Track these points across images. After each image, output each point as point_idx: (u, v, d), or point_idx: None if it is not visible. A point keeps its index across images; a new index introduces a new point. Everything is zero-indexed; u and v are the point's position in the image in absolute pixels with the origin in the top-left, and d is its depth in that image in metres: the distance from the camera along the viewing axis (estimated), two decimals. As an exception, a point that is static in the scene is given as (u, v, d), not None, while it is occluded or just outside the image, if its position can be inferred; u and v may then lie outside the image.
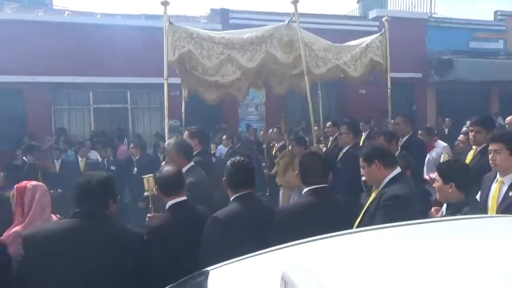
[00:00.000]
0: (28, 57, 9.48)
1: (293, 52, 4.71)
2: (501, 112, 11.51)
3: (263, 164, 6.60)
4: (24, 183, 2.41)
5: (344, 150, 4.73)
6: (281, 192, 5.26)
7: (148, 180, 3.18)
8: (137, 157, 6.90)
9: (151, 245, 2.18)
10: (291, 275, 0.96)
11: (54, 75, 9.93)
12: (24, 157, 6.74)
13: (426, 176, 4.63)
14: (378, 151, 2.52)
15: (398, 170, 2.47)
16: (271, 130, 7.01)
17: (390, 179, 2.42)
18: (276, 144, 6.63)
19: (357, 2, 16.37)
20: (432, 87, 13.06)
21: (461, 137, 5.00)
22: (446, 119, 10.57)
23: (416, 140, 4.99)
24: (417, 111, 13.03)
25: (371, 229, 1.60)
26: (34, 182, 2.46)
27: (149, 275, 2.08)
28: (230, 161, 2.49)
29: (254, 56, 4.53)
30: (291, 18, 4.82)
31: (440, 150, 5.00)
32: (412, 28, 12.38)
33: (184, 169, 3.15)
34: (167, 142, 3.50)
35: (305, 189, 2.52)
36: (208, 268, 1.45)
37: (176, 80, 4.99)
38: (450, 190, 2.44)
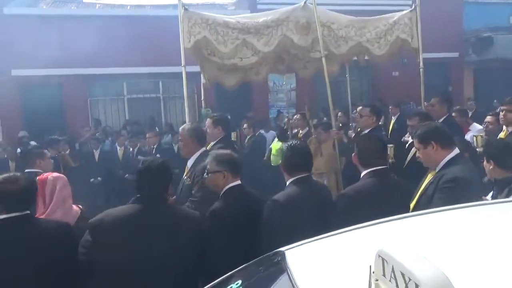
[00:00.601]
0: (64, 50, 9.77)
1: (310, 34, 4.59)
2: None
3: None
4: (45, 175, 2.53)
5: (365, 132, 4.54)
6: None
7: None
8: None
9: (210, 227, 2.27)
10: (391, 252, 0.98)
11: (90, 67, 10.23)
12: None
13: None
14: (435, 131, 2.41)
15: (456, 151, 2.38)
16: (295, 116, 6.92)
17: (448, 161, 2.33)
18: (300, 131, 6.54)
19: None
20: (470, 67, 12.53)
21: (488, 118, 4.82)
22: (469, 102, 10.12)
23: (452, 122, 4.72)
24: (453, 92, 12.55)
25: (450, 209, 1.60)
26: (55, 174, 2.58)
27: (210, 256, 2.16)
28: (287, 145, 2.51)
29: (270, 40, 4.45)
30: None
31: (475, 133, 4.81)
32: (448, 5, 11.84)
33: (197, 154, 3.29)
34: (181, 127, 3.56)
35: (365, 171, 2.49)
36: (282, 249, 1.48)
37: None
38: (491, 168, 2.51)
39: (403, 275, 0.95)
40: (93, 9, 12.18)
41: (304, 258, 1.39)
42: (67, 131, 9.62)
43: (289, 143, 2.54)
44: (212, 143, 4.02)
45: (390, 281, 1.00)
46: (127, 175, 7.20)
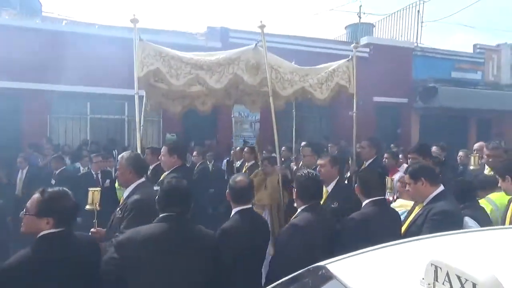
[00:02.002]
0: (24, 64, 9.44)
1: (259, 74, 4.81)
2: (478, 138, 12.28)
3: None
4: None
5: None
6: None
7: (93, 194, 3.08)
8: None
9: (221, 245, 2.40)
10: (445, 260, 1.22)
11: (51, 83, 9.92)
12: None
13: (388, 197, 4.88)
14: (425, 169, 2.81)
15: (441, 187, 2.77)
16: (236, 149, 7.17)
17: (435, 196, 2.71)
18: (246, 163, 6.76)
19: (345, 28, 17.14)
20: (417, 112, 13.75)
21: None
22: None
23: (379, 163, 5.12)
24: (402, 134, 13.66)
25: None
26: None
27: (221, 272, 2.29)
28: (302, 174, 2.73)
29: (221, 77, 4.59)
30: (258, 41, 4.85)
31: (402, 174, 5.13)
32: (400, 56, 13.12)
33: (133, 186, 3.08)
34: (120, 155, 3.40)
35: (366, 201, 2.78)
36: (321, 263, 1.67)
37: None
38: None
39: (459, 278, 1.20)
40: (60, 24, 11.93)
41: (348, 269, 1.59)
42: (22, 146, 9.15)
43: (302, 172, 2.76)
44: (166, 172, 4.02)
45: (443, 284, 1.26)
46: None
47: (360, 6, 15.65)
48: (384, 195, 2.87)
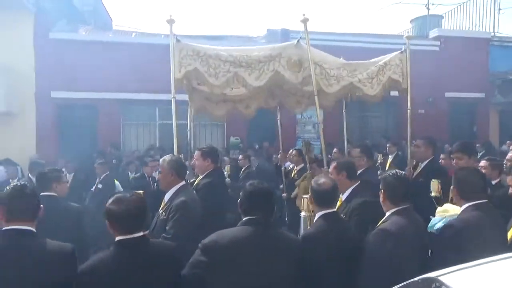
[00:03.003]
0: (100, 75, 10.11)
1: (302, 71, 4.57)
2: None
3: (281, 187, 6.49)
4: None
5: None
6: (302, 215, 5.13)
7: None
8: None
9: (306, 251, 2.32)
10: None
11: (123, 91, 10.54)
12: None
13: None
14: None
15: None
16: (290, 152, 6.85)
17: None
18: (295, 167, 6.49)
19: (410, 22, 16.25)
20: (496, 108, 12.62)
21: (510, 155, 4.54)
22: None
23: (436, 166, 4.58)
24: (479, 132, 12.61)
25: None
26: None
27: (306, 280, 2.20)
28: (391, 174, 2.55)
29: (261, 75, 4.41)
30: (300, 36, 4.64)
31: None
32: (475, 48, 12.13)
33: (175, 188, 3.16)
34: (162, 158, 3.44)
35: (466, 205, 2.51)
36: (431, 275, 1.52)
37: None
38: None
39: None
40: (129, 37, 12.66)
41: (467, 284, 1.43)
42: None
43: (391, 172, 2.57)
44: (201, 176, 3.94)
45: None
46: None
47: (429, -3, 14.71)
48: (486, 198, 2.54)
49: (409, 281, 1.64)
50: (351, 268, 2.36)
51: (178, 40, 4.23)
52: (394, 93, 12.15)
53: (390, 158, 7.07)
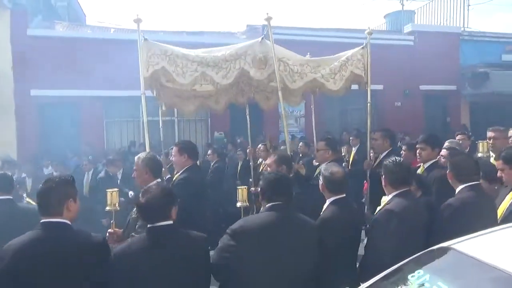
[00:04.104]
0: (81, 72, 9.96)
1: (267, 68, 4.62)
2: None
3: (250, 180, 6.51)
4: None
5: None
6: (238, 205, 5.11)
7: (112, 195, 3.14)
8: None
9: (322, 234, 2.52)
10: None
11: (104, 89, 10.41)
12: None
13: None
14: None
15: None
16: (258, 147, 6.99)
17: None
18: (263, 161, 6.38)
19: (384, 17, 16.75)
20: (466, 100, 13.27)
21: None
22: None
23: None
24: (452, 123, 13.23)
25: None
26: None
27: (322, 261, 2.41)
28: (391, 161, 2.78)
29: (228, 73, 4.49)
30: (264, 34, 4.71)
31: None
32: (446, 42, 12.68)
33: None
34: (137, 155, 3.44)
35: (461, 186, 2.78)
36: (445, 244, 1.73)
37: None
38: None
39: None
40: (108, 33, 12.48)
41: (475, 248, 1.65)
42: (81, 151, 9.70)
43: (392, 159, 2.81)
44: (179, 172, 3.90)
45: None
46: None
47: (403, -7, 15.21)
48: (479, 180, 2.83)
49: (426, 250, 1.86)
50: (357, 247, 2.60)
51: (145, 39, 4.27)
52: (375, 86, 12.49)
53: (354, 150, 7.25)
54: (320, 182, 2.80)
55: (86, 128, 10.45)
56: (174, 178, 3.96)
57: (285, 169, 3.47)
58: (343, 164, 7.15)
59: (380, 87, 12.08)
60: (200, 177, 4.14)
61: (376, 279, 1.91)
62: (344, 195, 2.75)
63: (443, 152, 4.59)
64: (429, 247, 1.93)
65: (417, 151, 4.03)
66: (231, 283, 2.30)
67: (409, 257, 1.96)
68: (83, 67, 9.91)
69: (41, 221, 2.13)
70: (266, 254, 2.26)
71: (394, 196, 2.68)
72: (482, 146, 4.30)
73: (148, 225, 2.21)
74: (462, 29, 13.58)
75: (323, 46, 9.65)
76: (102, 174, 7.32)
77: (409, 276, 1.70)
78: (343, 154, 8.29)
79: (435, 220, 2.68)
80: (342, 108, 12.99)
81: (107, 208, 3.13)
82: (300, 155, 7.73)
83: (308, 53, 5.96)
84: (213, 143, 10.88)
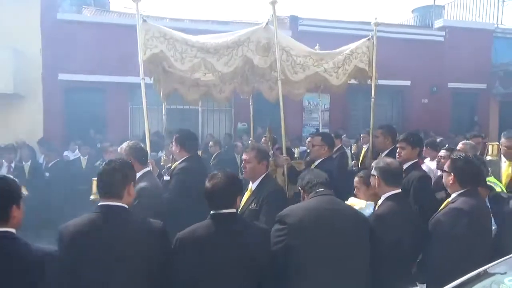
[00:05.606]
0: (108, 57, 9.99)
1: (270, 56, 4.32)
2: None
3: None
4: None
5: (316, 163, 4.34)
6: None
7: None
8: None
9: (377, 229, 2.46)
10: None
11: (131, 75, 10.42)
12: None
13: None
14: None
15: None
16: (262, 140, 6.80)
17: None
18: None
19: (412, 12, 16.34)
20: (496, 99, 12.89)
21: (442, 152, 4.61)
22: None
23: (395, 156, 4.43)
24: (480, 122, 12.89)
25: None
26: None
27: (375, 258, 2.34)
28: (460, 157, 2.65)
29: (230, 60, 4.20)
30: (269, 20, 4.32)
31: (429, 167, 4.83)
32: (478, 39, 12.30)
33: (138, 175, 2.94)
34: (121, 146, 3.36)
35: (461, 190, 2.61)
36: None
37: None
38: None
39: None
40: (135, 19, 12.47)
41: None
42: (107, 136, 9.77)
43: (461, 155, 2.69)
44: (177, 162, 3.92)
45: None
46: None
47: (434, -13, 14.76)
48: (480, 185, 2.78)
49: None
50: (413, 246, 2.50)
51: (144, 20, 4.07)
52: (398, 82, 12.13)
53: (365, 148, 6.97)
54: (375, 175, 2.66)
55: (112, 114, 10.51)
56: (172, 167, 3.97)
57: (265, 165, 3.30)
58: (353, 162, 7.05)
59: (407, 83, 11.83)
60: (199, 167, 4.00)
61: (458, 283, 1.80)
62: (400, 190, 2.64)
63: (442, 153, 4.44)
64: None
65: (397, 150, 3.85)
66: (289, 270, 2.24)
67: (479, 260, 1.86)
68: (110, 53, 9.93)
69: (100, 203, 2.08)
70: (317, 239, 2.25)
71: (459, 194, 2.57)
72: (492, 148, 4.12)
73: (212, 212, 2.19)
74: (496, 25, 13.13)
75: (348, 38, 9.41)
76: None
77: (507, 280, 1.60)
78: (353, 151, 8.15)
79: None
80: (367, 103, 12.76)
81: (92, 197, 3.04)
82: (308, 151, 7.60)
83: (318, 45, 5.70)
84: (237, 134, 10.84)
